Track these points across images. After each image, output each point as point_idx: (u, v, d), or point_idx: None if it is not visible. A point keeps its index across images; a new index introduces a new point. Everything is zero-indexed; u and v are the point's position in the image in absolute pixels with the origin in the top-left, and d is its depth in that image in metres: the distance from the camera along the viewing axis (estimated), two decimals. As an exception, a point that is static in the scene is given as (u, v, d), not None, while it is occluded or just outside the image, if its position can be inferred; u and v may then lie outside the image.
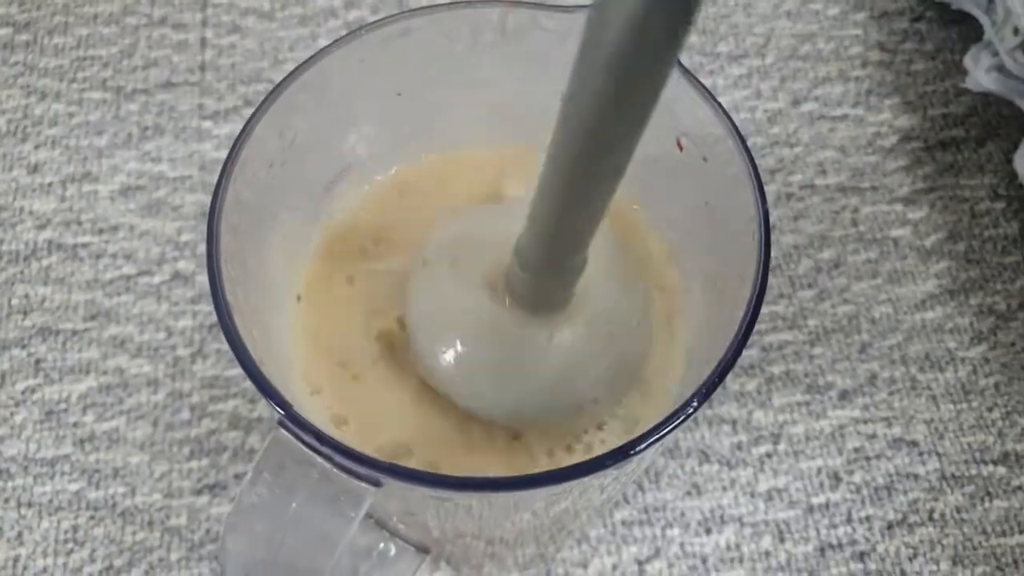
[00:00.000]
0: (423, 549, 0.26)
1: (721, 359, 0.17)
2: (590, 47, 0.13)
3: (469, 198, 0.23)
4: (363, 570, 0.26)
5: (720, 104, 0.20)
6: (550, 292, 0.19)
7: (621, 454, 0.16)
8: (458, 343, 0.20)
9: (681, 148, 0.21)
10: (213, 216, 0.18)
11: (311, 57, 0.20)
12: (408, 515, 0.22)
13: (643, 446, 0.16)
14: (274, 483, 0.17)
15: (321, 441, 0.16)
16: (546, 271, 0.18)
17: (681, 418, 0.16)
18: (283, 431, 0.17)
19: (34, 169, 0.35)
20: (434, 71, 0.22)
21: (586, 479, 0.16)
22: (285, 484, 0.17)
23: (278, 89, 0.20)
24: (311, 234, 0.23)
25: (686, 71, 0.20)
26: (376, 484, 0.17)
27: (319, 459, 0.17)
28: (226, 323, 0.17)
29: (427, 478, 0.17)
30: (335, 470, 0.17)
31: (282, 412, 0.17)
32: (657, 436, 0.16)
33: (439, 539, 0.24)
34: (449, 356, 0.20)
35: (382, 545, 0.26)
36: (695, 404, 0.16)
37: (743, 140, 0.19)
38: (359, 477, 0.17)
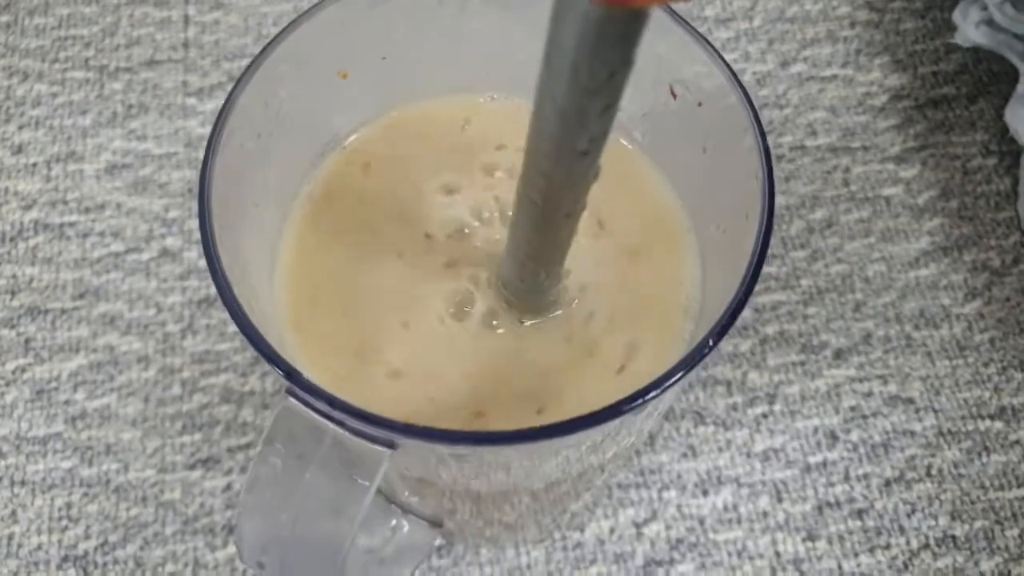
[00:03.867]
0: (436, 523, 0.26)
1: (732, 298, 0.16)
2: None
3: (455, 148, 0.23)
4: (378, 548, 0.25)
5: (710, 43, 0.19)
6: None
7: (639, 397, 0.16)
8: None
9: (675, 96, 0.20)
10: (204, 188, 0.17)
11: (291, 23, 0.20)
12: (421, 483, 0.22)
13: (664, 387, 0.16)
14: (286, 454, 0.16)
15: (333, 405, 0.16)
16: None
17: (693, 363, 0.16)
18: (292, 399, 0.16)
19: (18, 150, 0.35)
20: (419, 31, 0.22)
21: (604, 426, 0.16)
22: (297, 454, 0.16)
23: (260, 57, 0.19)
24: (299, 203, 0.22)
25: (673, 13, 0.19)
26: (391, 446, 0.16)
27: (331, 424, 0.16)
28: (227, 296, 0.16)
29: (441, 435, 0.16)
30: (348, 435, 0.16)
31: (289, 379, 0.16)
32: (675, 378, 0.16)
33: (451, 509, 0.24)
34: None
35: (394, 522, 0.25)
36: (710, 344, 0.16)
37: (736, 77, 0.18)
38: (373, 440, 0.16)
